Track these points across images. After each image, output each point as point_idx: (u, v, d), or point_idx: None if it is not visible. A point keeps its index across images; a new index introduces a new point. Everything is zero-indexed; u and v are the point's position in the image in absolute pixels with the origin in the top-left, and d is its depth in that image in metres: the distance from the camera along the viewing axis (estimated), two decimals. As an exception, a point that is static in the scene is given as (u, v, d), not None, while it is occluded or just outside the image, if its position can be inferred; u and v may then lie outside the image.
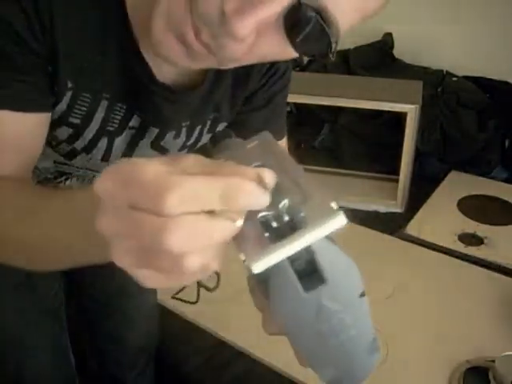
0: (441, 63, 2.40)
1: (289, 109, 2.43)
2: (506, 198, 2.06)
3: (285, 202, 0.36)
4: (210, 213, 0.33)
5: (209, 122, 0.79)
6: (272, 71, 0.79)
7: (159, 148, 0.78)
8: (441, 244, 1.79)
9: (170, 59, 0.56)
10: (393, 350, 1.32)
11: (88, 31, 0.61)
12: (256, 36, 0.50)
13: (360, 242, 1.77)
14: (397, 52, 2.49)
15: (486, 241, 1.82)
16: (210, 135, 0.82)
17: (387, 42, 2.47)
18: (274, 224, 0.35)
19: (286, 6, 0.49)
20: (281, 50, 0.53)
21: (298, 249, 0.34)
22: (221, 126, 0.81)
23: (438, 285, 1.59)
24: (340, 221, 0.34)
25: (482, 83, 2.26)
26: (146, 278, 0.35)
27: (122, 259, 0.34)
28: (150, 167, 0.33)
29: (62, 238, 0.49)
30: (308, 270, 0.36)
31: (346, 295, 0.38)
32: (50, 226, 0.50)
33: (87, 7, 0.60)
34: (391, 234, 1.87)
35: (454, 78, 2.31)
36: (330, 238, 0.36)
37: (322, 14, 0.49)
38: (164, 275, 0.34)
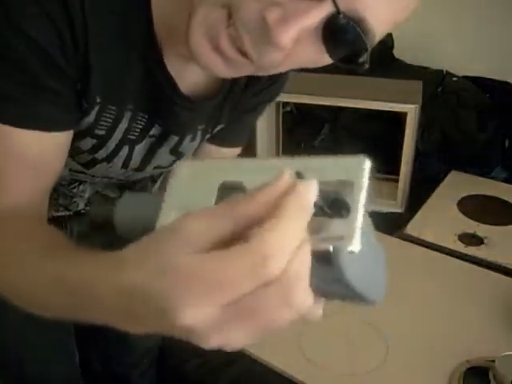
0: (441, 63, 2.39)
1: (289, 109, 2.43)
2: (506, 198, 2.05)
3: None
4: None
5: (213, 121, 0.80)
6: (274, 79, 0.80)
7: (177, 153, 0.79)
8: (441, 244, 1.79)
9: (208, 68, 0.57)
10: (393, 350, 1.32)
11: (116, 44, 0.61)
12: (295, 43, 0.51)
13: (360, 242, 1.77)
14: (397, 52, 2.49)
15: (486, 241, 1.82)
16: (209, 135, 0.83)
17: (387, 42, 2.47)
18: (319, 207, 0.35)
19: (326, 15, 0.49)
20: (317, 57, 0.55)
21: (365, 201, 0.34)
22: (219, 127, 0.82)
23: (438, 285, 1.59)
24: (367, 161, 0.36)
25: (481, 83, 2.26)
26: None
27: (238, 344, 0.34)
28: (203, 262, 0.31)
29: (58, 301, 0.47)
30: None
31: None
32: (49, 286, 0.47)
33: (117, 20, 0.59)
34: (391, 234, 1.87)
35: (454, 78, 2.31)
36: None
37: (360, 24, 0.50)
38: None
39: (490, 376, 1.21)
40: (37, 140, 0.58)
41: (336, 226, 0.34)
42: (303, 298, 0.32)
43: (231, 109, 0.79)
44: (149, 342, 1.30)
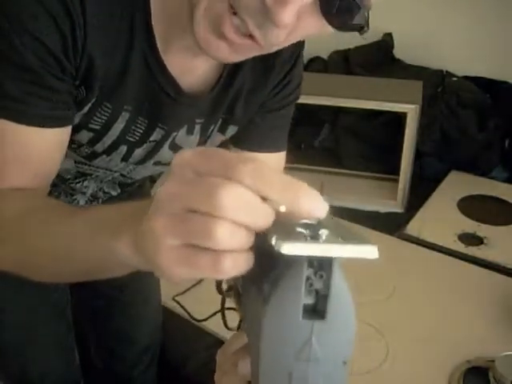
0: (441, 63, 2.40)
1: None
2: (506, 198, 2.06)
3: (323, 231, 0.35)
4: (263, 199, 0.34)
5: (220, 121, 0.80)
6: (287, 80, 0.81)
7: (175, 147, 0.79)
8: (441, 244, 1.79)
9: (215, 57, 0.60)
10: (393, 350, 1.32)
11: (117, 47, 0.62)
12: (296, 19, 0.53)
13: (360, 242, 1.77)
14: (397, 52, 2.49)
15: (485, 241, 1.82)
16: (220, 135, 0.83)
17: (387, 41, 2.47)
18: (311, 236, 0.35)
19: None
20: (319, 27, 0.56)
21: (328, 254, 0.33)
22: (231, 128, 0.82)
23: (438, 285, 1.59)
24: (372, 251, 0.34)
25: (482, 83, 2.26)
26: (181, 274, 0.36)
27: (166, 257, 0.36)
28: (226, 151, 0.36)
29: (83, 252, 0.50)
30: (315, 303, 0.36)
31: (332, 350, 0.37)
32: (70, 238, 0.51)
33: (117, 22, 0.61)
34: (391, 234, 1.87)
35: (454, 78, 2.31)
36: (349, 293, 0.36)
37: None
38: (199, 272, 0.35)
39: (490, 376, 1.21)
40: (36, 135, 0.61)
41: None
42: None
43: (245, 109, 0.79)
44: (148, 338, 1.30)
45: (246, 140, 0.86)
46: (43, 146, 0.63)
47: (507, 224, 1.91)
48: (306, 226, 0.35)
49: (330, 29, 0.57)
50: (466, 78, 2.30)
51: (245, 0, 0.52)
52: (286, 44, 0.59)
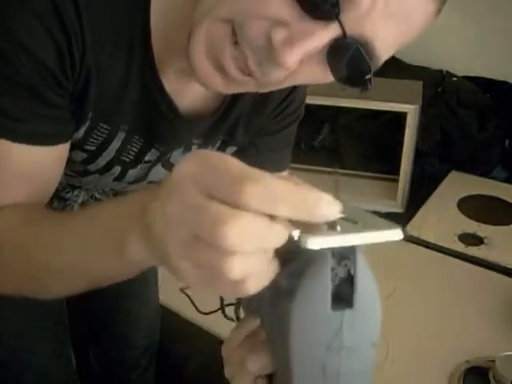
0: (441, 63, 2.40)
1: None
2: (506, 198, 2.06)
3: (344, 215, 0.34)
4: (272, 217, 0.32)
5: (219, 142, 0.79)
6: (287, 102, 0.78)
7: (170, 166, 0.78)
8: (441, 244, 1.79)
9: (208, 87, 0.57)
10: (393, 349, 1.32)
11: (115, 65, 0.60)
12: (299, 64, 0.51)
13: (360, 242, 1.77)
14: (397, 52, 2.48)
15: (485, 241, 1.82)
16: None
17: (387, 42, 2.47)
18: (329, 225, 0.34)
19: (333, 37, 0.49)
20: (320, 76, 0.54)
21: (354, 243, 0.33)
22: (230, 149, 0.81)
23: (438, 285, 1.59)
24: (397, 234, 0.33)
25: (482, 83, 2.26)
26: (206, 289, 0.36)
27: (188, 275, 0.35)
28: (233, 160, 0.33)
29: (87, 261, 0.49)
30: (342, 292, 0.35)
31: (362, 336, 0.37)
32: (74, 250, 0.50)
33: (115, 42, 0.59)
34: (391, 233, 1.87)
35: (454, 78, 2.31)
36: (373, 278, 0.36)
37: (366, 47, 0.50)
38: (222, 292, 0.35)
39: (490, 376, 1.21)
40: (31, 153, 0.58)
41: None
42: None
43: (244, 132, 0.78)
44: (147, 341, 1.29)
45: (251, 165, 0.84)
46: (43, 164, 0.60)
47: (507, 224, 1.91)
48: None
49: (331, 79, 0.55)
50: (466, 77, 2.30)
51: (250, 31, 0.49)
52: (283, 86, 0.57)
